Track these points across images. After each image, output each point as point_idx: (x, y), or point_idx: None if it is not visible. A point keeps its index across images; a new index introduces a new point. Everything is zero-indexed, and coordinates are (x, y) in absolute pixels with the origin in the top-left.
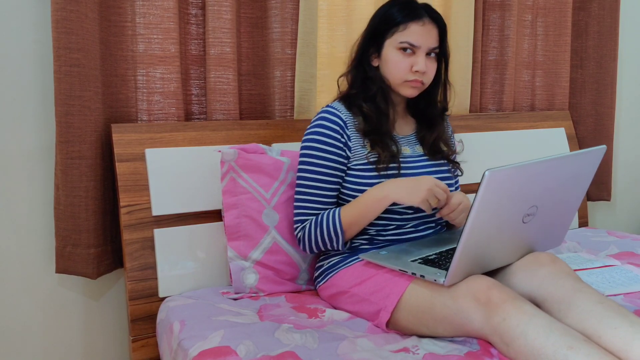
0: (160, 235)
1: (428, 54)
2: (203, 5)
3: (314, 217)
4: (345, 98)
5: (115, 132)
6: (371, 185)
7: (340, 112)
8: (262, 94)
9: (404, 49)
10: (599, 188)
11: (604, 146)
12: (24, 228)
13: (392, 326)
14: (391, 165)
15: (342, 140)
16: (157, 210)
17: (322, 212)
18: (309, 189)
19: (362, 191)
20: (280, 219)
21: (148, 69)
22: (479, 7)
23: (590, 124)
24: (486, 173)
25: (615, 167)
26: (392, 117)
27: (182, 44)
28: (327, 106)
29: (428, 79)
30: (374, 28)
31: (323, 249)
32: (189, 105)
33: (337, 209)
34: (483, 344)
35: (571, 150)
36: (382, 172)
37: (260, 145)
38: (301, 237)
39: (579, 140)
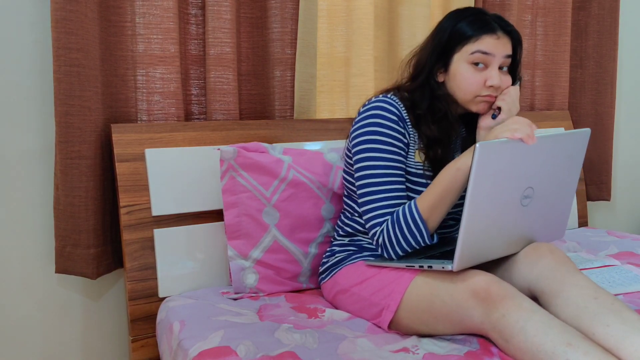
0: (160, 235)
1: (500, 68)
2: (203, 5)
3: (390, 217)
4: (407, 106)
5: (115, 132)
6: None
7: (399, 105)
8: (262, 94)
9: (476, 63)
10: (599, 188)
11: (588, 129)
12: (24, 228)
13: (393, 326)
14: None
15: (403, 131)
16: (156, 211)
17: (398, 208)
18: (381, 185)
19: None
20: (281, 217)
21: (148, 69)
22: (478, 7)
23: (590, 124)
24: (477, 145)
25: (615, 167)
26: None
27: (182, 44)
28: (383, 95)
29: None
30: (442, 43)
31: (409, 249)
32: (188, 105)
33: (412, 200)
34: (483, 343)
35: None
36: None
37: (262, 143)
38: (382, 242)
39: None
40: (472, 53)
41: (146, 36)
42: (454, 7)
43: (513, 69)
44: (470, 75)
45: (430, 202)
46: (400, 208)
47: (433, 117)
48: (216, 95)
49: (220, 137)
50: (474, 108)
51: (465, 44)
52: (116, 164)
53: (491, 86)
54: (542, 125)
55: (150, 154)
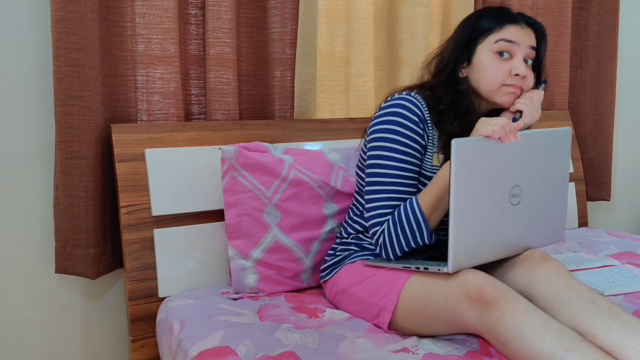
0: (160, 235)
1: (525, 61)
2: (203, 5)
3: (391, 216)
4: (429, 105)
5: (115, 132)
6: None
7: (421, 104)
8: (261, 94)
9: (501, 53)
10: (599, 188)
11: (569, 128)
12: (24, 228)
13: (392, 327)
14: None
15: (422, 133)
16: (156, 211)
17: (398, 207)
18: (388, 185)
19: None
20: (282, 216)
21: (148, 69)
22: (478, 7)
23: (590, 124)
24: (452, 142)
25: (615, 167)
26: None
27: (182, 44)
28: (406, 93)
29: (527, 86)
30: (464, 38)
31: (407, 248)
32: (188, 105)
33: (413, 197)
34: (483, 343)
35: (571, 149)
36: None
37: (263, 143)
38: (382, 241)
39: (578, 140)
40: (496, 42)
41: (146, 36)
42: (453, 7)
43: (537, 69)
44: (495, 64)
45: (431, 200)
46: (402, 205)
47: (455, 112)
48: (216, 95)
49: (220, 137)
50: (500, 100)
51: (489, 34)
52: (116, 164)
53: (517, 75)
54: (542, 125)
55: (150, 154)
